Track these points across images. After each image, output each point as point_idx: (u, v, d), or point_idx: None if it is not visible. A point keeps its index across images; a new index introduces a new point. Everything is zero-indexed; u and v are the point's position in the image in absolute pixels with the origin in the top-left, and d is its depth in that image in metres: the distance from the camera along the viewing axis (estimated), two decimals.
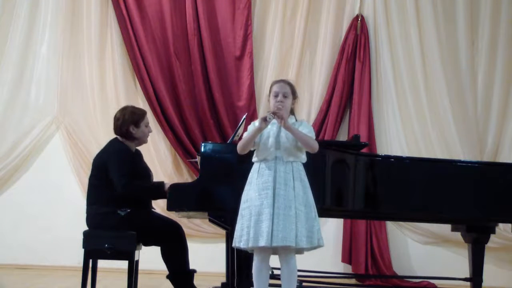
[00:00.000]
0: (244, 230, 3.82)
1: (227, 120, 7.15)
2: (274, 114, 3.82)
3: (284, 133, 3.89)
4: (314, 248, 3.88)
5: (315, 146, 3.90)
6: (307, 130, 3.93)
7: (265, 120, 3.83)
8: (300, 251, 3.89)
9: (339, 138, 7.14)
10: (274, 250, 3.87)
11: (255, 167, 3.93)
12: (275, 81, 4.07)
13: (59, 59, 7.24)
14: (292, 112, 4.02)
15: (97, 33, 7.23)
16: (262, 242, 3.74)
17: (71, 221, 6.51)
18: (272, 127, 3.93)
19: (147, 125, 4.83)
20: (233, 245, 3.92)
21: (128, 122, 4.73)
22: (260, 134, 3.91)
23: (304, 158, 3.96)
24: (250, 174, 3.94)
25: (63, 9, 7.27)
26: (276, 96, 3.94)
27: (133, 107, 4.92)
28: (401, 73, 7.23)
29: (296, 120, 4.01)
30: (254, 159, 3.96)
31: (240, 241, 3.84)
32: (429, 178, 4.81)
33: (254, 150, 3.97)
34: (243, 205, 3.89)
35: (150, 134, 4.91)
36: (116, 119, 4.79)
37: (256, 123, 3.94)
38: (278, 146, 3.89)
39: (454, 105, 7.14)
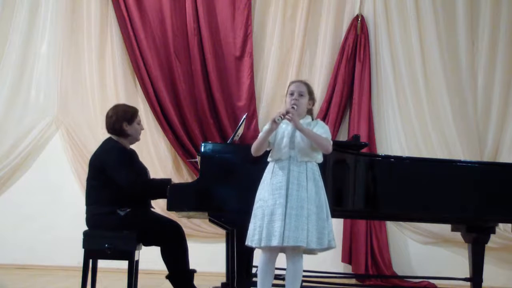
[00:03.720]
0: (257, 229, 3.84)
1: (227, 120, 7.15)
2: (285, 114, 3.83)
3: (299, 133, 3.90)
4: (325, 249, 3.88)
5: (328, 147, 3.90)
6: (323, 131, 3.94)
7: (275, 122, 3.84)
8: (312, 252, 3.90)
9: (339, 138, 7.14)
10: (282, 249, 3.88)
11: (269, 167, 3.95)
12: (292, 81, 4.13)
13: (59, 59, 7.24)
14: (309, 112, 4.03)
15: (97, 33, 7.24)
16: (275, 242, 3.75)
17: (71, 221, 6.50)
18: (287, 127, 3.94)
19: (139, 123, 4.84)
20: (246, 243, 3.92)
21: (121, 119, 4.73)
22: (275, 134, 3.92)
23: (320, 158, 3.96)
24: (264, 173, 3.95)
25: (63, 9, 7.27)
26: (291, 94, 3.98)
27: (125, 105, 4.95)
28: (401, 73, 7.23)
29: (313, 120, 4.02)
30: (269, 159, 3.98)
31: (253, 240, 3.86)
32: (429, 178, 4.81)
33: (270, 150, 3.97)
34: (256, 204, 3.90)
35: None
36: (108, 117, 4.79)
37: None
38: (292, 146, 3.90)
39: (454, 105, 7.14)
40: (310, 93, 4.04)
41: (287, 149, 3.90)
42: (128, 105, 4.97)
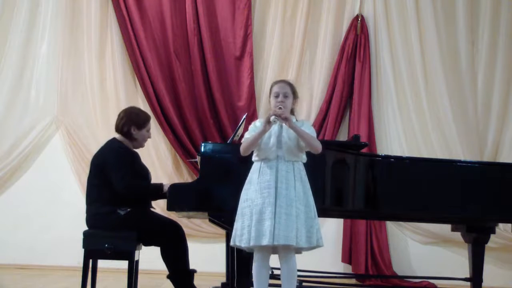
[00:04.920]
0: (245, 229, 3.82)
1: (227, 120, 7.15)
2: (278, 116, 3.82)
3: (286, 132, 3.89)
4: (313, 248, 3.88)
5: (319, 147, 3.90)
6: (309, 131, 3.93)
7: (269, 123, 3.84)
8: (299, 250, 3.89)
9: (339, 138, 7.14)
10: (274, 250, 3.88)
11: (255, 166, 3.93)
12: (275, 81, 4.08)
13: (59, 59, 7.25)
14: (292, 112, 4.02)
15: (97, 33, 7.24)
16: (265, 241, 3.74)
17: (71, 221, 6.50)
18: (273, 126, 3.92)
19: (148, 130, 4.84)
20: (231, 243, 3.92)
21: (131, 122, 4.74)
22: None
23: (304, 158, 3.97)
24: (250, 173, 3.94)
25: (63, 9, 7.27)
26: (276, 96, 3.96)
27: (139, 110, 4.97)
28: (401, 73, 7.23)
29: (297, 120, 4.01)
30: (254, 158, 3.96)
31: (241, 240, 3.84)
32: (429, 178, 4.81)
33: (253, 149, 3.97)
34: (243, 204, 3.89)
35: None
36: (119, 117, 4.80)
37: (256, 123, 3.95)
38: (280, 145, 3.89)
39: (454, 105, 7.14)
40: (294, 92, 4.02)
41: (275, 148, 3.89)
42: (142, 110, 4.98)
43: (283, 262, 3.88)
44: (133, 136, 4.76)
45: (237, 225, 3.88)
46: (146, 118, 4.84)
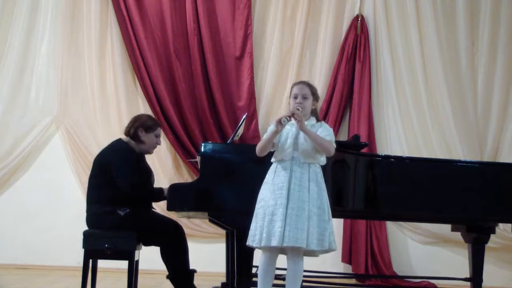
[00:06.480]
0: (258, 229, 3.84)
1: (227, 120, 7.15)
2: (291, 116, 3.82)
3: (302, 134, 3.90)
4: (326, 251, 3.88)
5: (331, 150, 3.90)
6: (326, 133, 3.94)
7: (280, 123, 3.84)
8: (313, 253, 3.90)
9: (339, 138, 7.13)
10: (282, 250, 3.88)
11: (272, 167, 3.96)
12: (295, 82, 4.10)
13: (59, 59, 7.24)
14: (314, 112, 4.03)
15: (97, 33, 7.24)
16: (274, 242, 3.75)
17: (71, 221, 6.52)
18: (291, 128, 3.94)
19: (157, 136, 4.83)
20: (246, 243, 3.92)
21: (138, 125, 4.76)
22: (279, 134, 3.92)
23: (323, 160, 3.96)
24: (268, 174, 3.95)
25: (63, 9, 7.27)
26: (295, 97, 3.97)
27: (149, 116, 5.01)
28: (401, 73, 7.24)
29: (318, 121, 4.02)
30: (272, 159, 3.98)
31: (254, 240, 3.86)
32: (429, 178, 4.80)
33: (274, 151, 3.98)
34: (257, 204, 3.90)
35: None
36: (129, 122, 4.84)
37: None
38: (296, 147, 3.90)
39: (454, 105, 7.14)
40: (314, 93, 4.04)
41: (291, 150, 3.90)
42: (152, 117, 5.03)
43: (290, 264, 3.89)
44: (140, 138, 4.75)
45: (251, 225, 3.90)
46: (155, 123, 4.86)
